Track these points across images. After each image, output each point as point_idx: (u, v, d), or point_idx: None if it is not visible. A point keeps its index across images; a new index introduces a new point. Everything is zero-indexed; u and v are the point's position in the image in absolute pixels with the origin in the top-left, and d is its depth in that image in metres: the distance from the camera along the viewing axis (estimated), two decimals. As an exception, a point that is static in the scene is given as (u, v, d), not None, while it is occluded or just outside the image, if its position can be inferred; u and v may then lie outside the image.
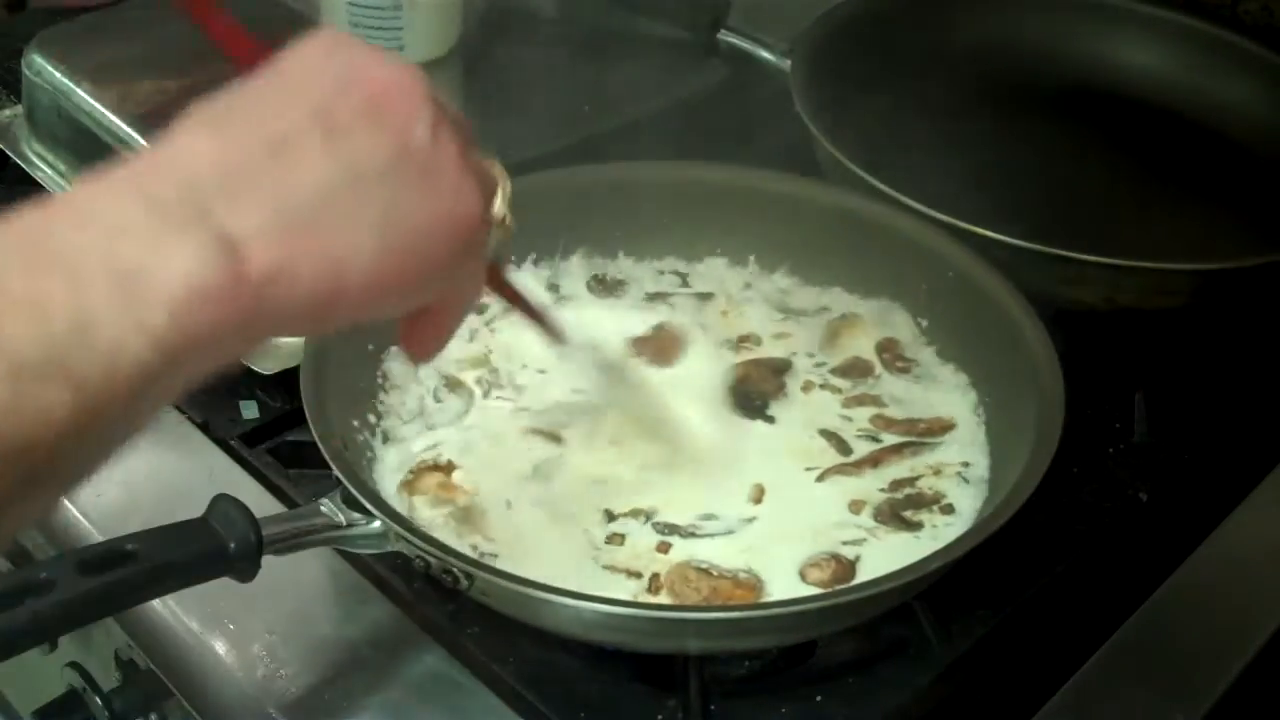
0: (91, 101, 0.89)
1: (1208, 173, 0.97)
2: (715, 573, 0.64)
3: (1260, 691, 0.66)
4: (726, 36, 0.99)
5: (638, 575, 0.64)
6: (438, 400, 0.72)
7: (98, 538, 0.68)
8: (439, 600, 0.65)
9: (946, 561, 0.58)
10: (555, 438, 0.71)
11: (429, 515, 0.67)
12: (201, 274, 0.39)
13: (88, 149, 0.90)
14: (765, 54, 0.97)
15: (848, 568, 0.64)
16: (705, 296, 0.82)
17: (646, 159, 0.84)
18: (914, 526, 0.67)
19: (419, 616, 0.66)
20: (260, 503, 0.67)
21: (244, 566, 0.57)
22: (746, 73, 0.98)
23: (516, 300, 0.62)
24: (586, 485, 0.69)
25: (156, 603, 0.64)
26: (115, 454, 0.40)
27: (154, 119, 0.87)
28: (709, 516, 0.67)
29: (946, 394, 0.75)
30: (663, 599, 0.63)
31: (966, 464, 0.70)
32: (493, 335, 0.77)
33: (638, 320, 0.78)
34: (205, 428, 0.76)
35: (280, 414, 0.76)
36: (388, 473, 0.69)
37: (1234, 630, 0.67)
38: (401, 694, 0.63)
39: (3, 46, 1.04)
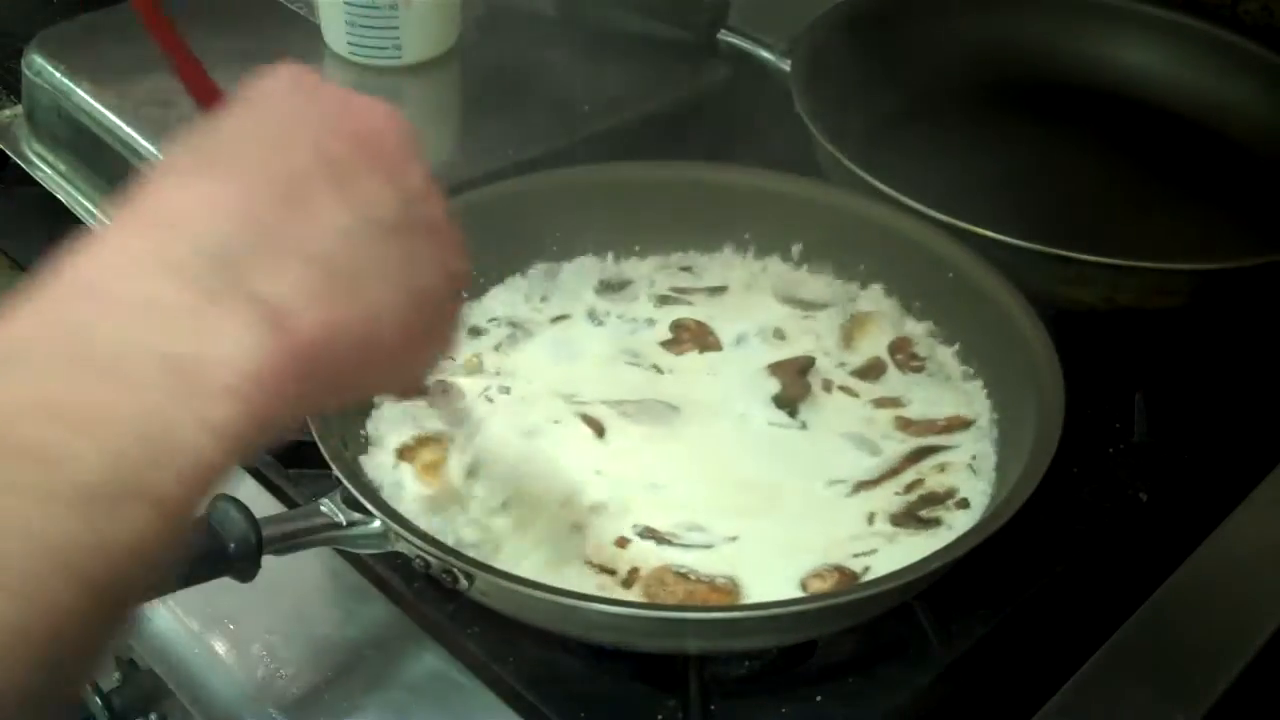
0: (91, 101, 0.89)
1: (1208, 173, 0.97)
2: (693, 577, 0.63)
3: (1260, 691, 0.66)
4: (726, 36, 0.99)
5: (611, 571, 0.64)
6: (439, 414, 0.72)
7: (98, 538, 0.68)
8: (439, 600, 0.65)
9: (946, 561, 0.58)
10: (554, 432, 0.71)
11: (415, 489, 0.66)
12: (256, 354, 0.37)
13: (88, 149, 0.90)
14: (765, 54, 0.97)
15: (851, 578, 0.63)
16: (713, 293, 0.81)
17: (646, 159, 0.84)
18: (930, 524, 0.66)
19: (419, 616, 0.66)
20: (260, 503, 0.67)
21: (244, 566, 0.57)
22: (746, 73, 0.98)
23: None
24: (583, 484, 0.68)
25: (156, 602, 0.64)
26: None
27: (154, 119, 0.87)
28: (695, 527, 0.65)
29: (958, 390, 0.75)
30: (634, 596, 0.63)
31: (975, 456, 0.70)
32: (489, 342, 0.77)
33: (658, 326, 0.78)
34: (205, 428, 0.75)
35: (280, 414, 0.76)
36: (384, 451, 0.69)
37: (1234, 630, 0.67)
38: (401, 694, 0.63)
39: (3, 46, 1.04)
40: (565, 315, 0.79)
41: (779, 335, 0.78)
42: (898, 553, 0.64)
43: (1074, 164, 0.97)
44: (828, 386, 0.75)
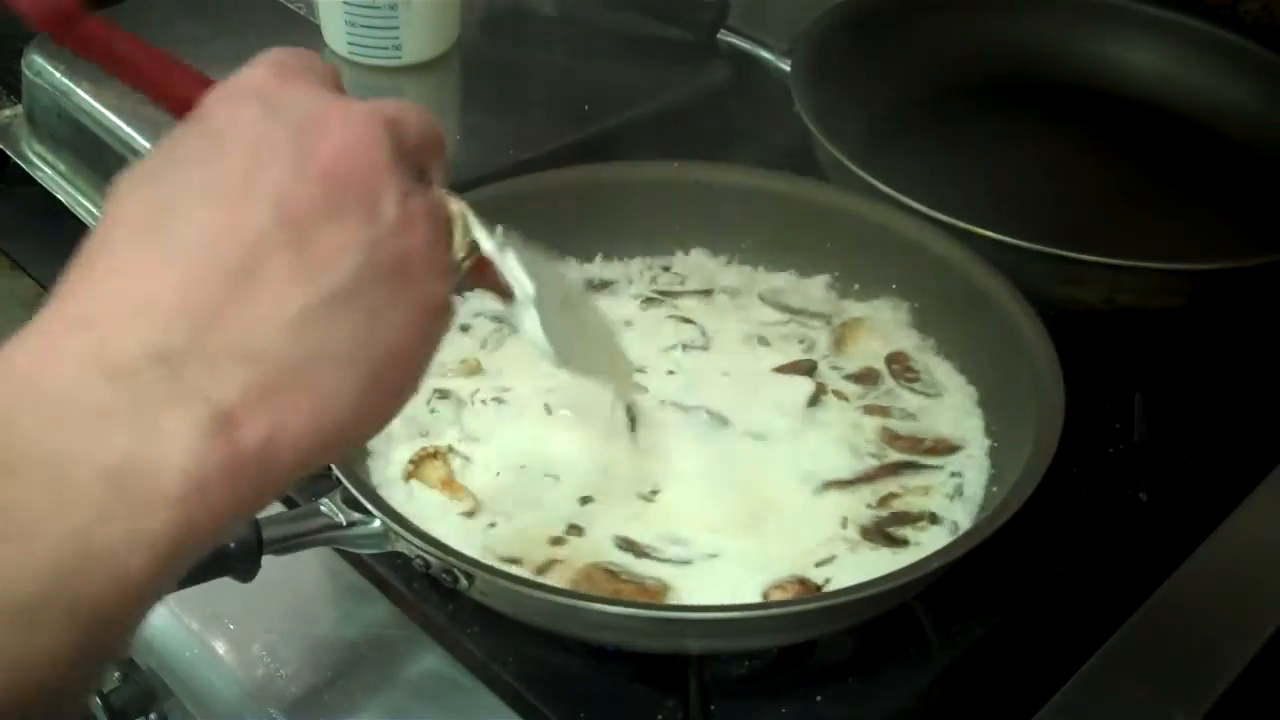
0: (91, 101, 0.89)
1: (1208, 173, 0.97)
2: (624, 576, 0.63)
3: (1260, 691, 0.66)
4: (726, 36, 0.99)
5: (516, 561, 0.64)
6: (431, 411, 0.72)
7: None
8: (439, 600, 0.65)
9: (946, 561, 0.58)
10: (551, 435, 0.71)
11: (429, 498, 0.67)
12: (197, 461, 0.34)
13: (88, 149, 0.90)
14: (765, 54, 0.97)
15: (813, 589, 0.63)
16: (704, 293, 0.82)
17: (647, 159, 0.84)
18: (899, 544, 0.65)
19: (419, 616, 0.66)
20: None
21: (244, 566, 0.57)
22: (746, 73, 0.98)
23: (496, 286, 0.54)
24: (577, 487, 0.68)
25: (156, 602, 0.64)
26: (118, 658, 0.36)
27: (154, 119, 0.87)
28: (678, 541, 0.65)
29: (954, 409, 0.74)
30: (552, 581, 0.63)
31: (960, 482, 0.69)
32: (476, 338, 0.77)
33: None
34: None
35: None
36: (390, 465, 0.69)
37: (1234, 630, 0.67)
38: (401, 694, 0.63)
39: (3, 46, 1.04)
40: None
41: (774, 337, 0.78)
42: (863, 565, 0.63)
43: (1074, 164, 0.97)
44: (824, 389, 0.75)
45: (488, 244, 0.51)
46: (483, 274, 0.51)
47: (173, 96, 0.46)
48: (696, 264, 0.84)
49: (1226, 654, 0.66)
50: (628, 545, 0.65)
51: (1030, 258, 0.76)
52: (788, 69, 0.93)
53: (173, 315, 0.36)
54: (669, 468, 0.69)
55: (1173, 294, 0.80)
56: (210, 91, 0.42)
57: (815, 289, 0.82)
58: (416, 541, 0.59)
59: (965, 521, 0.67)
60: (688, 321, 0.78)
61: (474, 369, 0.75)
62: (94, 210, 0.90)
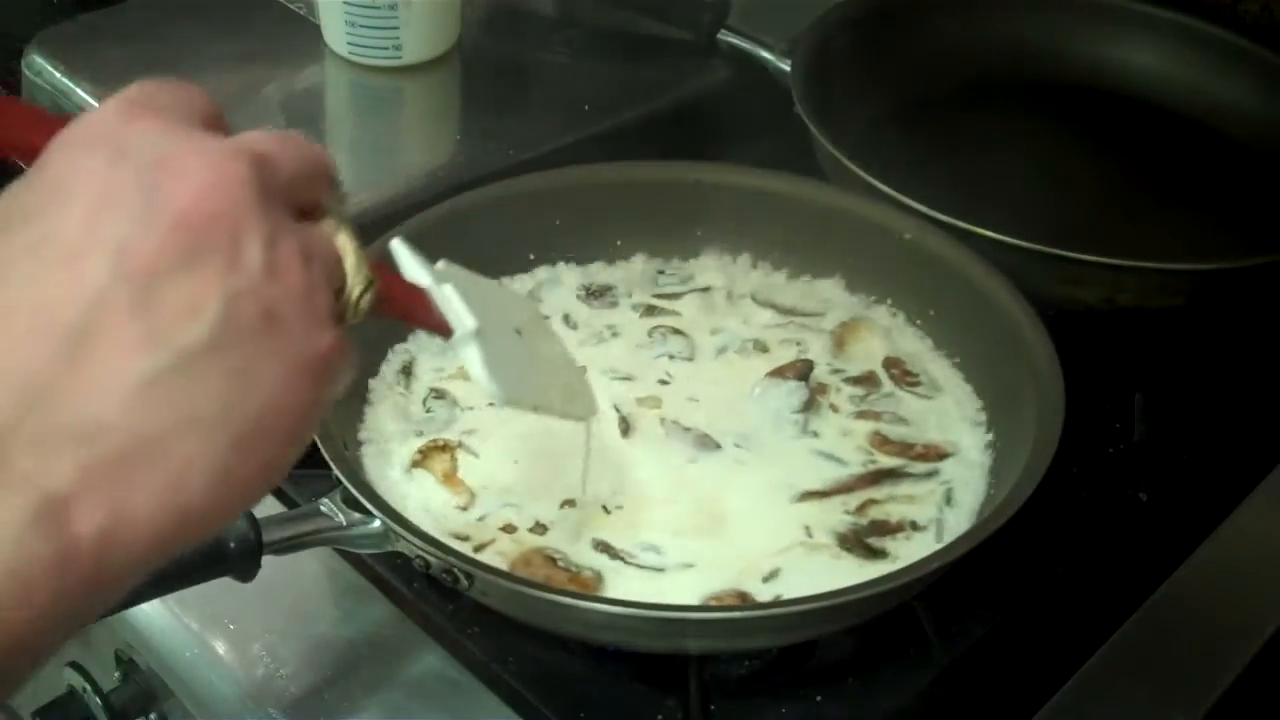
0: (91, 102, 0.89)
1: (1208, 173, 0.97)
2: (561, 564, 0.64)
3: (1260, 691, 0.66)
4: (726, 36, 0.99)
5: (465, 538, 0.65)
6: (427, 411, 0.72)
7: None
8: (439, 600, 0.65)
9: (946, 561, 0.58)
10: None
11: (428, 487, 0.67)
12: (21, 557, 0.31)
13: (88, 149, 0.90)
14: (765, 54, 0.97)
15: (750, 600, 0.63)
16: (705, 293, 0.82)
17: (647, 159, 0.84)
18: (877, 555, 0.65)
19: (419, 616, 0.66)
20: (260, 503, 0.67)
21: (244, 566, 0.57)
22: (746, 73, 0.98)
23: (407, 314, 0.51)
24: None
25: (156, 602, 0.64)
26: None
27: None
28: (652, 548, 0.65)
29: (953, 409, 0.74)
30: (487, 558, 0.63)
31: (949, 488, 0.69)
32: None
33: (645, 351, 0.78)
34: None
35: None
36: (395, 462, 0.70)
37: (1234, 630, 0.67)
38: (401, 694, 0.63)
39: (3, 46, 1.04)
40: (547, 317, 0.79)
41: (773, 340, 0.78)
42: (818, 576, 0.63)
43: (1074, 164, 0.97)
44: (823, 391, 0.74)
45: (424, 278, 0.50)
46: (413, 312, 0.50)
47: (12, 143, 0.41)
48: (696, 264, 0.84)
49: (1226, 654, 0.66)
50: (604, 548, 0.65)
51: (1030, 258, 0.76)
52: (788, 69, 0.93)
53: (1, 386, 0.33)
54: (644, 473, 0.69)
55: (1172, 294, 0.80)
56: (55, 138, 0.38)
57: (814, 289, 0.82)
58: (416, 541, 0.59)
59: (958, 526, 0.66)
60: (678, 333, 0.78)
61: None
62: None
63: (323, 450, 0.61)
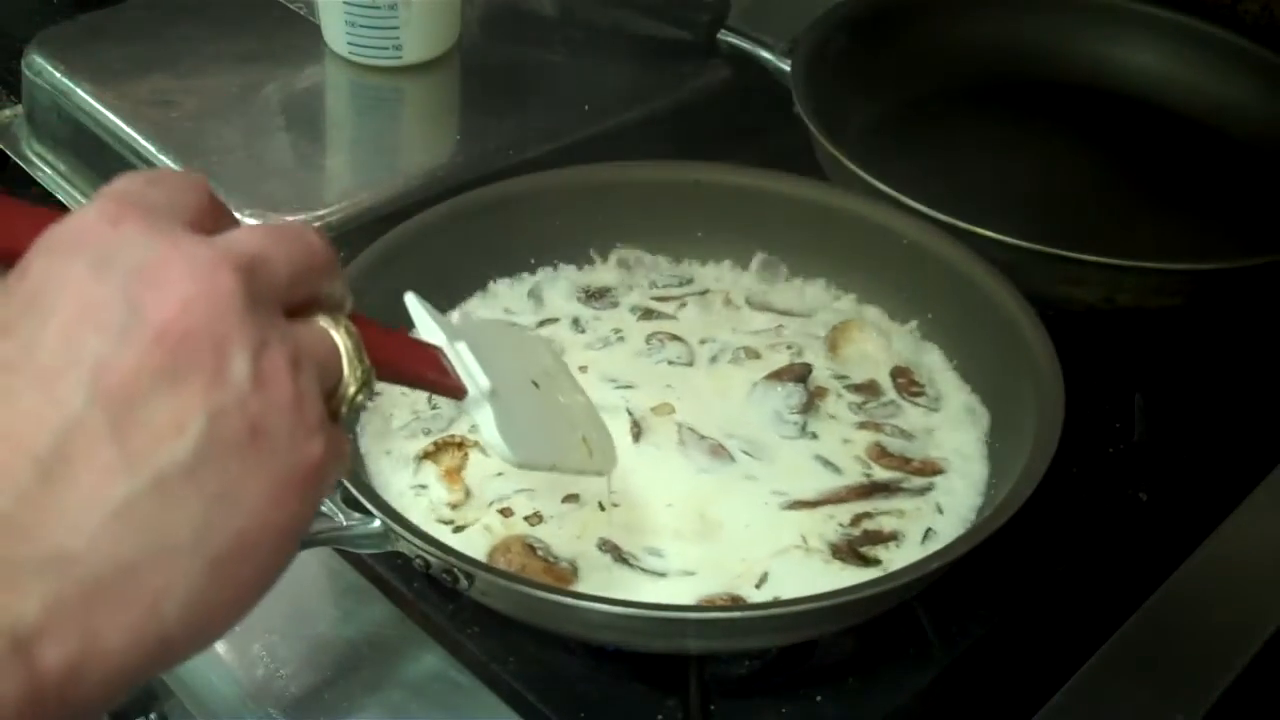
0: (91, 101, 0.89)
1: (1208, 173, 0.97)
2: (540, 553, 0.64)
3: (1260, 691, 0.66)
4: (726, 36, 0.99)
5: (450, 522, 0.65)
6: (433, 408, 0.72)
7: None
8: (439, 600, 0.65)
9: (946, 561, 0.58)
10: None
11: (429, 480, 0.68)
12: None
13: (88, 149, 0.90)
14: (765, 54, 0.97)
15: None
16: (703, 295, 0.82)
17: (647, 159, 0.84)
18: (871, 563, 0.65)
19: (419, 616, 0.66)
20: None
21: (244, 566, 0.57)
22: (746, 73, 0.98)
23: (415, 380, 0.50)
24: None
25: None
26: None
27: (154, 119, 0.87)
28: (655, 552, 0.65)
29: (953, 410, 0.74)
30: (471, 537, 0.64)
31: (942, 506, 0.68)
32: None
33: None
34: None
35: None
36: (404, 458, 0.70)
37: (1234, 630, 0.67)
38: (401, 694, 0.63)
39: (3, 46, 1.04)
40: (553, 319, 0.79)
41: (771, 341, 0.78)
42: (811, 584, 0.62)
43: (1074, 164, 0.97)
44: (822, 395, 0.74)
45: (438, 335, 0.49)
46: (422, 376, 0.48)
47: None
48: (695, 265, 0.84)
49: (1226, 654, 0.66)
50: (608, 547, 0.65)
51: (1030, 258, 0.76)
52: (788, 69, 0.93)
53: None
54: (646, 477, 0.68)
55: (1172, 294, 0.80)
56: (36, 241, 0.36)
57: (814, 289, 0.82)
58: (416, 541, 0.59)
59: (949, 537, 0.66)
60: (675, 339, 0.78)
61: None
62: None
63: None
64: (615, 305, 0.80)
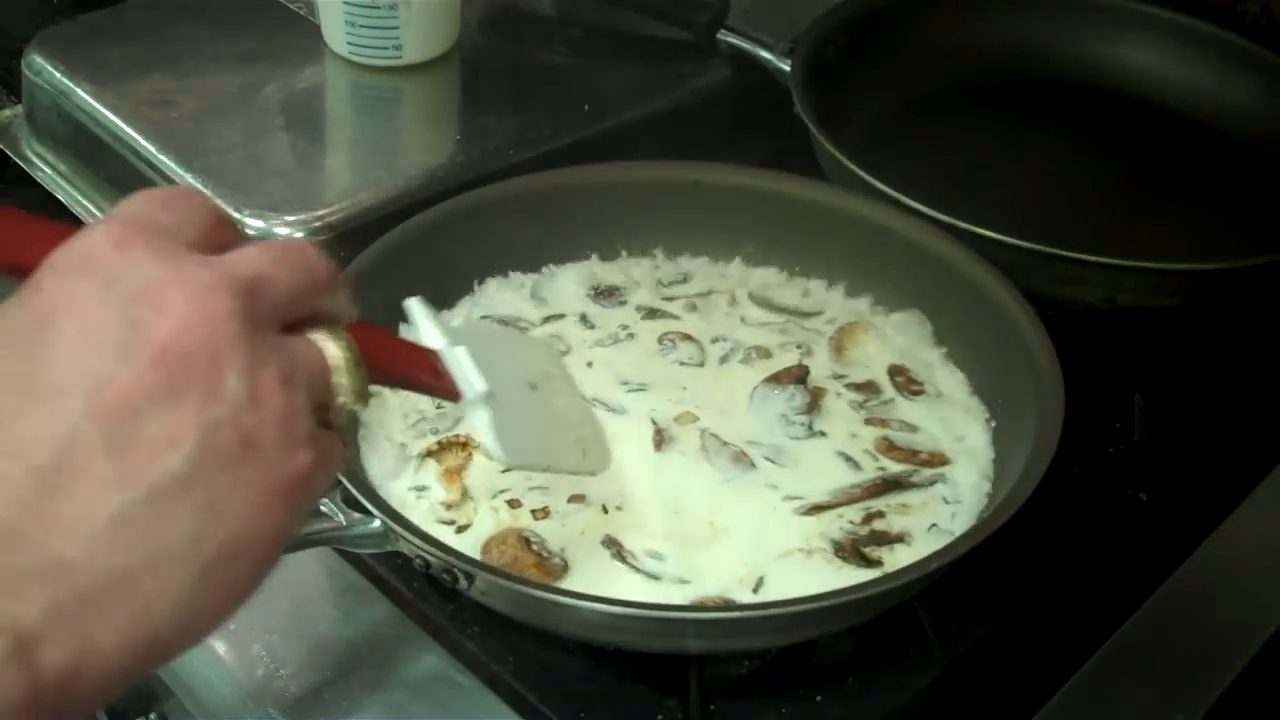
0: (91, 101, 0.89)
1: (1208, 173, 0.97)
2: (535, 547, 0.64)
3: (1260, 691, 0.66)
4: (726, 36, 0.99)
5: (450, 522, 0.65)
6: (437, 407, 0.72)
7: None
8: (439, 600, 0.65)
9: (946, 561, 0.58)
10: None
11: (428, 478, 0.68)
12: None
13: (88, 149, 0.90)
14: (765, 54, 0.97)
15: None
16: (704, 296, 0.82)
17: (646, 159, 0.84)
18: (873, 564, 0.65)
19: (419, 616, 0.66)
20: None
21: (244, 566, 0.57)
22: (746, 73, 0.98)
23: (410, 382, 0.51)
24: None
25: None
26: None
27: (154, 119, 0.87)
28: (656, 555, 0.64)
29: (953, 410, 0.74)
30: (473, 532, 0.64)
31: (952, 509, 0.68)
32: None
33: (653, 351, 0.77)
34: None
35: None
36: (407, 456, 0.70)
37: (1234, 630, 0.67)
38: (401, 694, 0.63)
39: (3, 46, 1.04)
40: (559, 315, 0.79)
41: (773, 343, 0.78)
42: (811, 582, 0.62)
43: (1074, 164, 0.97)
44: (820, 395, 0.74)
45: (437, 339, 0.50)
46: (419, 380, 0.50)
47: (5, 259, 0.40)
48: (696, 265, 0.84)
49: (1226, 654, 0.66)
50: (611, 544, 0.65)
51: (1030, 258, 0.76)
52: (788, 69, 0.93)
53: None
54: (658, 485, 0.68)
55: (1172, 294, 0.80)
56: (47, 259, 0.38)
57: (814, 290, 0.82)
58: (416, 541, 0.59)
59: (958, 531, 0.66)
60: (688, 339, 0.78)
61: None
62: (94, 210, 0.90)
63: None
64: (624, 304, 0.80)
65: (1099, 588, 0.70)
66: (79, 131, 0.90)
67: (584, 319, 0.79)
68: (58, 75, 0.91)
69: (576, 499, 0.67)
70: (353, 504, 0.60)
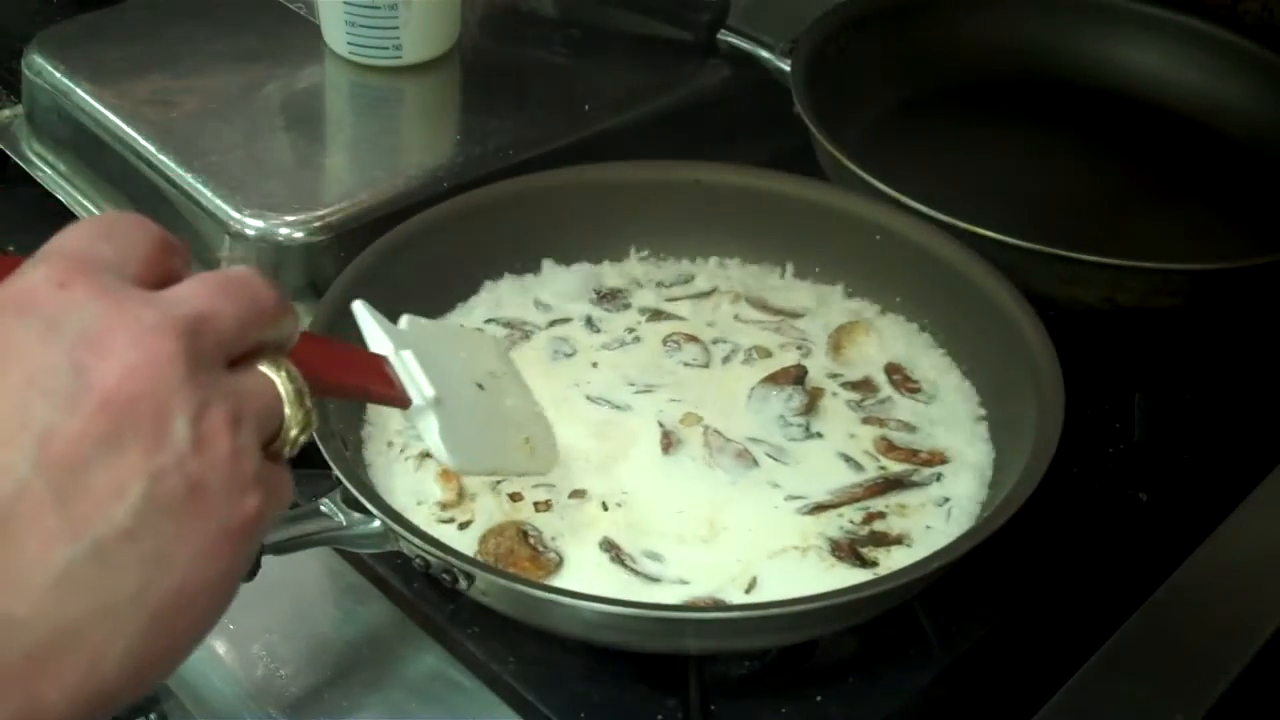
0: (91, 101, 0.89)
1: (1208, 173, 0.97)
2: (532, 541, 0.64)
3: (1260, 691, 0.66)
4: (726, 36, 0.99)
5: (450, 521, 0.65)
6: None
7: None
8: (439, 600, 0.65)
9: (946, 562, 0.58)
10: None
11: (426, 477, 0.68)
12: None
13: (88, 149, 0.90)
14: (765, 54, 0.97)
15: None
16: (705, 297, 0.81)
17: (647, 159, 0.84)
18: (869, 565, 0.65)
19: (419, 616, 0.66)
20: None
21: (244, 567, 0.57)
22: (746, 73, 0.98)
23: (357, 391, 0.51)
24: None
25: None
26: None
27: (154, 119, 0.87)
28: (655, 556, 0.64)
29: (953, 410, 0.74)
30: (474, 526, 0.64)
31: (949, 507, 0.68)
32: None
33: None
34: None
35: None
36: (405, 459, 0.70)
37: (1234, 630, 0.67)
38: (401, 694, 0.63)
39: (3, 46, 1.04)
40: (564, 319, 0.79)
41: (769, 343, 0.78)
42: (806, 584, 0.62)
43: (1074, 164, 0.97)
44: (818, 395, 0.74)
45: (384, 344, 0.50)
46: (367, 389, 0.49)
47: None
48: (697, 265, 0.84)
49: (1226, 654, 0.66)
50: (611, 547, 0.65)
51: (1030, 258, 0.76)
52: (788, 69, 0.93)
53: None
54: (662, 485, 0.68)
55: (1172, 294, 0.80)
56: None
57: (814, 290, 0.82)
58: (416, 541, 0.59)
59: (958, 532, 0.66)
60: (693, 340, 0.78)
61: None
62: (94, 210, 0.90)
63: (323, 450, 0.61)
64: (628, 307, 0.80)
65: (1099, 588, 0.70)
66: (79, 131, 0.90)
67: (589, 322, 0.79)
68: (58, 75, 0.91)
69: (577, 494, 0.67)
70: (353, 504, 0.60)
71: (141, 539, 0.35)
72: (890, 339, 0.79)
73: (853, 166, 0.81)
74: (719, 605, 0.62)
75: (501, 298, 0.80)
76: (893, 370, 0.76)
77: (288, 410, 0.41)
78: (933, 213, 0.77)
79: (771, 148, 0.91)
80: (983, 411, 0.74)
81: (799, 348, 0.78)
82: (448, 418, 0.52)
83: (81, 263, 0.37)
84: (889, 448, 0.71)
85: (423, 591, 0.66)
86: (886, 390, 0.75)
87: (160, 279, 0.39)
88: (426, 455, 0.69)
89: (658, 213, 0.83)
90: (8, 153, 0.95)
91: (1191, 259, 0.78)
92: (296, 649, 0.65)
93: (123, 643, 0.35)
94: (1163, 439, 0.78)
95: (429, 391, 0.50)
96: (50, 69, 0.92)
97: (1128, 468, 0.76)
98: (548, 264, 0.82)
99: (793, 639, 0.63)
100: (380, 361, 0.50)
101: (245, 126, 0.87)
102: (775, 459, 0.70)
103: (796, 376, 0.74)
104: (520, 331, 0.78)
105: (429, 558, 0.59)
